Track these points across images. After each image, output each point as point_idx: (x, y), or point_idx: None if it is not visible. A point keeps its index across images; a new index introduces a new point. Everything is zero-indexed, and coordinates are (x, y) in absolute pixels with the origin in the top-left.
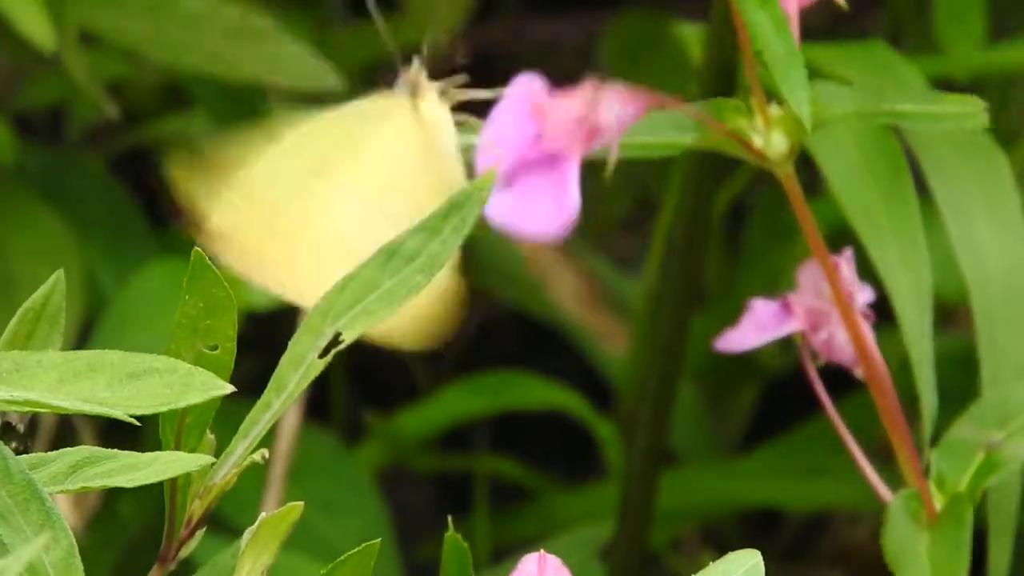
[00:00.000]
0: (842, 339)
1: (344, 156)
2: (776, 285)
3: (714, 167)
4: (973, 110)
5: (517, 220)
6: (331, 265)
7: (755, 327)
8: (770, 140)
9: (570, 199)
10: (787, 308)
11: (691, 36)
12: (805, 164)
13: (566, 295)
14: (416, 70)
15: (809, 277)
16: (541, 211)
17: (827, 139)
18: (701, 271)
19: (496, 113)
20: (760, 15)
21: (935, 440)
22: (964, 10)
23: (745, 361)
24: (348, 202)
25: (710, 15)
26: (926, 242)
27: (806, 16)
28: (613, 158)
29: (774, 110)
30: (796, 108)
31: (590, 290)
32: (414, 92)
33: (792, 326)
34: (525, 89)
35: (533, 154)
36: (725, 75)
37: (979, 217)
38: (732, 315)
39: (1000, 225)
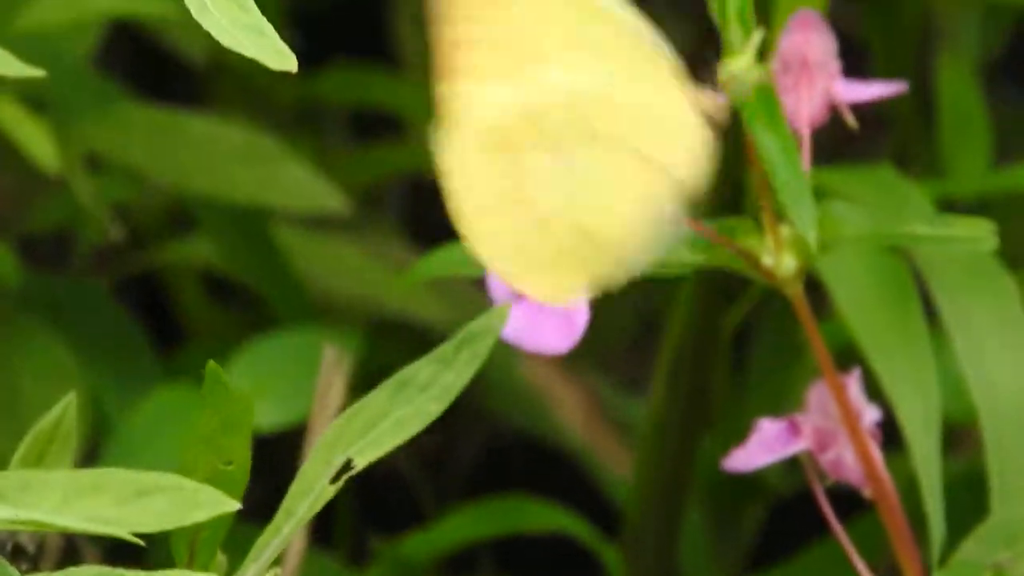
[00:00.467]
0: (850, 459)
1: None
2: (782, 405)
3: (722, 287)
4: (983, 233)
5: (527, 335)
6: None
7: (762, 447)
8: (780, 260)
9: (579, 314)
10: (795, 428)
11: None
12: (812, 284)
13: (571, 417)
14: None
15: (817, 397)
16: (551, 326)
17: (835, 260)
18: (708, 392)
19: None
20: (769, 137)
21: (943, 562)
22: (970, 132)
23: (752, 481)
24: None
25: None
26: (935, 364)
27: (815, 135)
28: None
29: (784, 230)
30: (803, 232)
31: (596, 411)
32: None
33: (800, 445)
34: None
35: None
36: (733, 196)
37: (988, 339)
38: (738, 435)
39: (1009, 347)
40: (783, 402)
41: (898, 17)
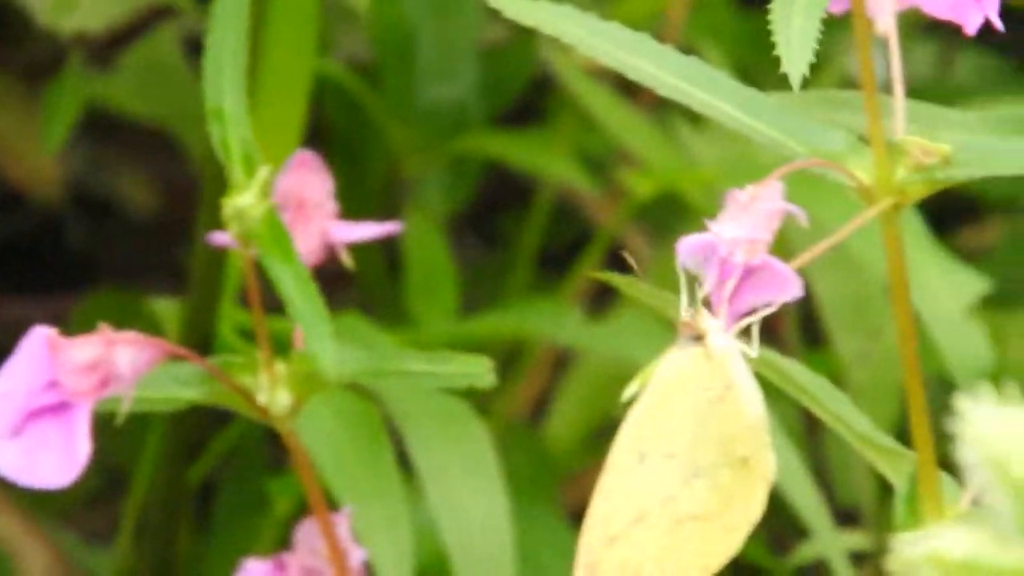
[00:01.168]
0: None
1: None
2: (249, 556)
3: (188, 439)
4: (482, 369)
5: (25, 470)
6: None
7: None
8: (275, 397)
9: (80, 448)
10: (281, 566)
11: (166, 312)
12: None
13: (36, 571)
14: (695, 312)
15: (305, 535)
16: (50, 461)
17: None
18: (173, 543)
19: (9, 362)
20: (283, 270)
21: None
22: (436, 283)
23: None
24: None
25: (188, 290)
26: (407, 509)
27: None
28: (126, 407)
29: (280, 368)
30: (323, 360)
31: (61, 567)
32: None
33: None
34: (40, 338)
35: (44, 401)
36: (203, 338)
37: (459, 485)
38: None
39: (480, 491)
40: (248, 552)
41: (364, 168)
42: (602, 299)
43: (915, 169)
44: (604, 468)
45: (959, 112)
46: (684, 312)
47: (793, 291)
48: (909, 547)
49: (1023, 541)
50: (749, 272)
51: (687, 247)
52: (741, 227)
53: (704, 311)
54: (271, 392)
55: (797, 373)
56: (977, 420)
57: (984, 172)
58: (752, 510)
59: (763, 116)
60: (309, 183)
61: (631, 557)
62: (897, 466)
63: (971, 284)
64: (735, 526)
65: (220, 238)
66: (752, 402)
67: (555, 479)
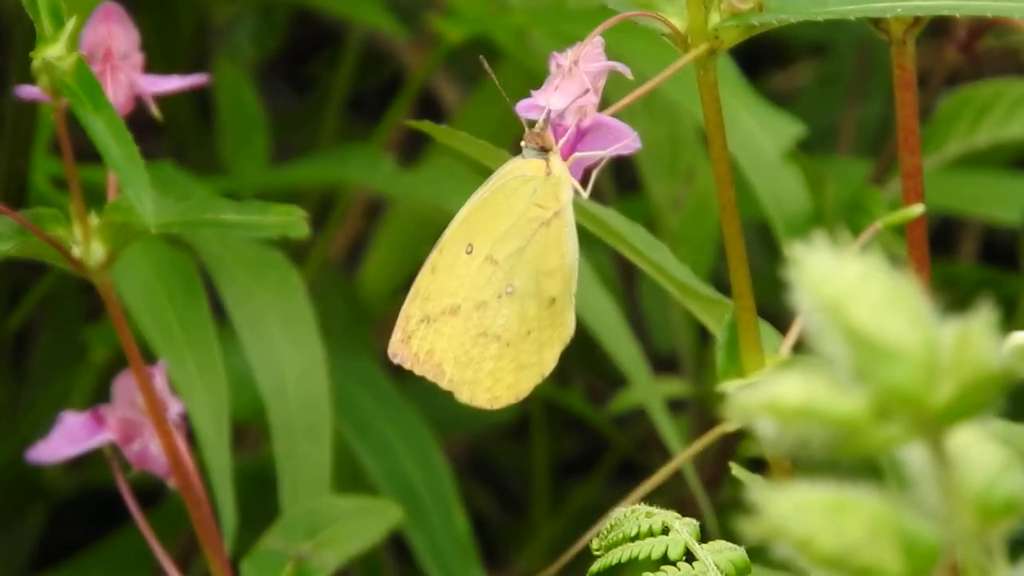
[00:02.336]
0: (156, 450)
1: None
2: (65, 404)
3: (2, 292)
4: (297, 219)
5: None
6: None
7: (66, 438)
8: (89, 249)
9: None
10: (99, 419)
11: None
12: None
13: None
14: (543, 128)
15: (122, 388)
16: None
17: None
18: None
19: None
20: (95, 120)
21: (245, 552)
22: (248, 131)
23: (32, 483)
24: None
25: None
26: (223, 360)
27: None
28: None
29: (93, 220)
30: (141, 209)
31: None
32: (544, 149)
33: (104, 437)
34: None
35: None
36: (17, 189)
37: (275, 334)
38: (20, 435)
39: (295, 340)
40: (66, 401)
41: (173, 16)
42: (413, 145)
43: (730, 15)
44: (436, 243)
45: None
46: (536, 126)
47: (630, 143)
48: (744, 394)
49: (857, 387)
50: (582, 132)
51: (523, 109)
52: (566, 94)
53: (549, 130)
54: (85, 244)
55: (614, 221)
56: (811, 266)
57: (798, 17)
58: (546, 359)
59: None
60: (115, 35)
61: (436, 348)
62: (716, 314)
63: (786, 128)
64: (527, 364)
65: (30, 91)
66: (571, 244)
67: (369, 325)
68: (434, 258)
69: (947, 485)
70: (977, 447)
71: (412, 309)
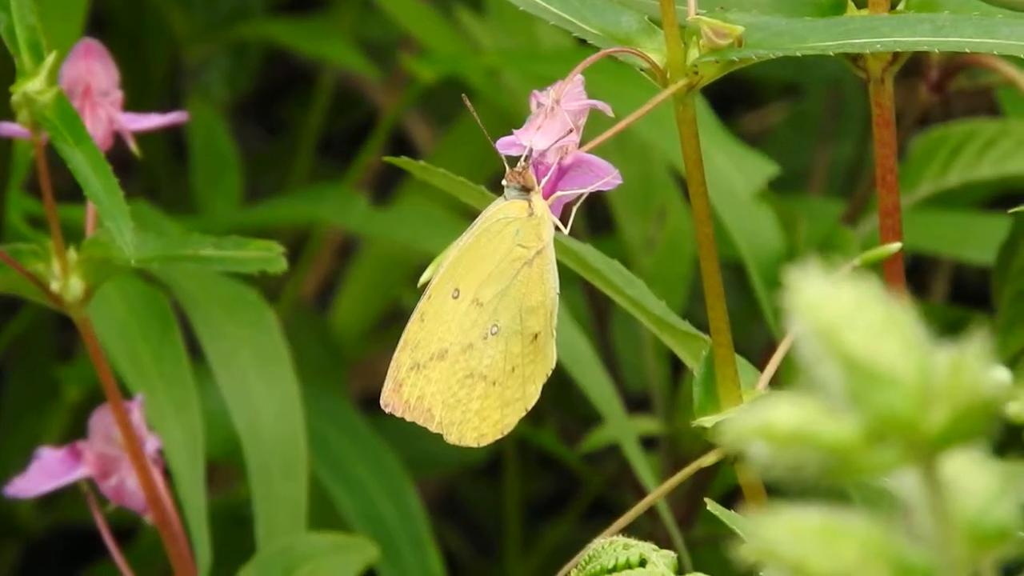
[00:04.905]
0: (132, 485)
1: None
2: (39, 440)
3: None
4: (275, 254)
5: None
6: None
7: (44, 473)
8: (67, 284)
9: None
10: (76, 454)
11: None
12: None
13: None
14: (525, 167)
15: (100, 423)
16: None
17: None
18: None
19: None
20: (76, 154)
21: None
22: (221, 171)
23: (4, 521)
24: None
25: None
26: (198, 396)
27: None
28: None
29: (72, 255)
30: (121, 242)
31: None
32: (526, 188)
33: (82, 472)
34: None
35: None
36: None
37: (250, 372)
38: None
39: (270, 378)
40: (38, 440)
41: (146, 55)
42: (385, 186)
43: (709, 50)
44: (425, 292)
45: None
46: (517, 165)
47: (611, 180)
48: (738, 419)
49: (850, 412)
50: (564, 170)
51: (503, 146)
52: (549, 134)
53: (531, 169)
54: (64, 279)
55: (592, 257)
56: (806, 291)
57: (777, 52)
58: (529, 393)
59: None
60: (95, 71)
61: (426, 394)
62: (693, 349)
63: (758, 168)
64: (511, 400)
65: (7, 127)
66: (552, 279)
67: (342, 364)
68: (423, 306)
69: (940, 511)
70: (970, 473)
71: (402, 358)
